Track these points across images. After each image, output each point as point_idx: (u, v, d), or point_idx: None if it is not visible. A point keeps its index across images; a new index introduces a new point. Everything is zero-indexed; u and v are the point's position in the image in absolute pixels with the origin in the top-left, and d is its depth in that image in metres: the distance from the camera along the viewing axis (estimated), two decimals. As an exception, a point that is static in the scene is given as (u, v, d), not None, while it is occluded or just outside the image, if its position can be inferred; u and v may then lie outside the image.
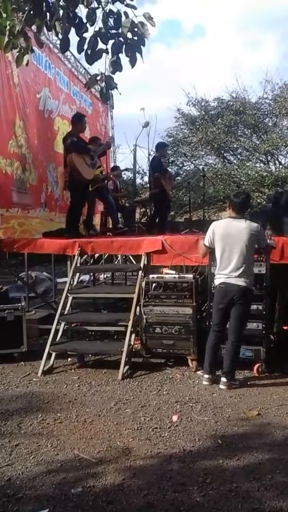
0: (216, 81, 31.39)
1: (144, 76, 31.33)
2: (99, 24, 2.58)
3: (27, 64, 2.93)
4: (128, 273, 7.03)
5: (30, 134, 6.94)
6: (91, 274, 7.48)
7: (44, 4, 2.56)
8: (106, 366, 4.68)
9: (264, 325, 4.40)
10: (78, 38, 2.63)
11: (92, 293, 6.11)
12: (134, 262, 6.96)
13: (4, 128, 6.20)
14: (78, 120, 6.47)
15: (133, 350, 4.76)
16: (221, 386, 4.04)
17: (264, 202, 10.88)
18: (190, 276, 4.79)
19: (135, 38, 2.61)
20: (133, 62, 2.65)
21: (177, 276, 4.86)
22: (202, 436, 3.15)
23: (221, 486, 2.52)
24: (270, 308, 4.62)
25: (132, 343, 4.69)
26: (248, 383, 4.19)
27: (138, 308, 4.74)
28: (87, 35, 2.62)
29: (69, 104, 8.73)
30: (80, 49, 2.65)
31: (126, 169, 11.94)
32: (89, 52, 2.64)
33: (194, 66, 31.45)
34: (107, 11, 2.58)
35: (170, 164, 15.33)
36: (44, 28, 2.70)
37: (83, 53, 2.66)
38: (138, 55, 2.64)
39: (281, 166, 15.54)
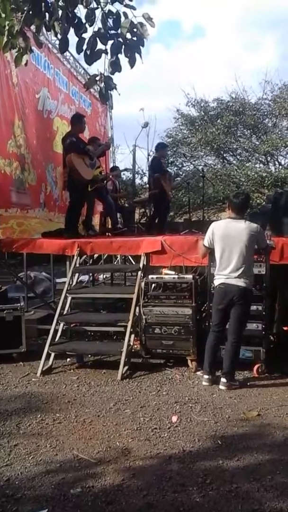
0: (215, 81, 31.52)
1: (144, 76, 31.44)
2: (98, 24, 2.58)
3: (26, 64, 2.92)
4: (128, 273, 7.03)
5: (29, 134, 6.94)
6: (90, 274, 7.48)
7: (43, 4, 2.56)
8: (105, 366, 4.67)
9: (263, 326, 4.40)
10: (77, 39, 2.63)
11: (91, 294, 6.11)
12: (134, 263, 6.96)
13: (3, 128, 6.20)
14: (77, 120, 6.47)
15: (133, 350, 4.76)
16: (221, 387, 4.04)
17: (264, 202, 10.88)
18: (189, 276, 4.79)
19: (134, 38, 2.60)
20: (132, 63, 2.65)
21: (176, 276, 4.86)
22: (202, 436, 3.14)
23: (221, 486, 2.52)
24: (270, 309, 4.62)
25: (131, 343, 4.69)
26: (248, 383, 4.19)
27: (137, 308, 4.74)
28: (86, 36, 2.62)
29: (68, 104, 8.73)
30: (79, 49, 2.65)
31: (126, 170, 11.97)
32: (88, 52, 2.63)
33: (193, 67, 31.55)
34: (106, 11, 2.58)
35: (169, 165, 15.34)
36: (43, 28, 2.70)
37: (82, 54, 2.66)
38: (137, 55, 2.64)
39: (280, 167, 15.56)
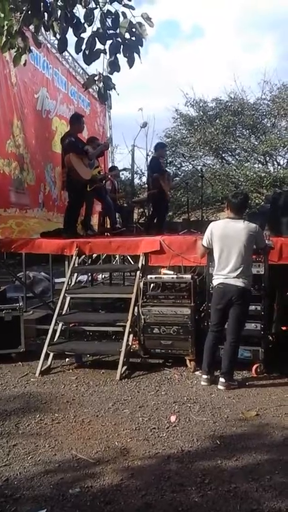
0: (214, 81, 31.51)
1: (142, 76, 31.46)
2: (97, 24, 2.58)
3: (24, 64, 2.93)
4: (126, 273, 7.03)
5: (28, 134, 6.94)
6: (89, 274, 7.47)
7: (42, 4, 2.56)
8: (104, 366, 4.67)
9: (262, 326, 4.41)
10: (76, 38, 2.63)
11: (90, 293, 6.11)
12: (132, 263, 6.97)
13: (2, 128, 6.20)
14: (76, 120, 6.47)
15: (131, 350, 4.76)
16: (220, 387, 4.04)
17: (263, 202, 10.88)
18: (188, 276, 4.79)
19: (133, 38, 2.61)
20: (131, 63, 2.65)
21: (175, 276, 4.86)
22: (201, 436, 3.15)
23: (220, 486, 2.52)
24: (269, 309, 4.63)
25: (130, 343, 4.69)
26: (247, 383, 4.19)
27: (136, 308, 4.74)
28: (85, 35, 2.62)
29: (67, 104, 8.73)
30: (78, 49, 2.65)
31: (124, 169, 11.94)
32: (87, 52, 2.63)
33: (192, 67, 31.50)
34: (105, 11, 2.58)
35: (168, 165, 15.33)
36: (42, 28, 2.70)
37: (81, 53, 2.66)
38: (136, 55, 2.64)
39: (279, 167, 15.56)
